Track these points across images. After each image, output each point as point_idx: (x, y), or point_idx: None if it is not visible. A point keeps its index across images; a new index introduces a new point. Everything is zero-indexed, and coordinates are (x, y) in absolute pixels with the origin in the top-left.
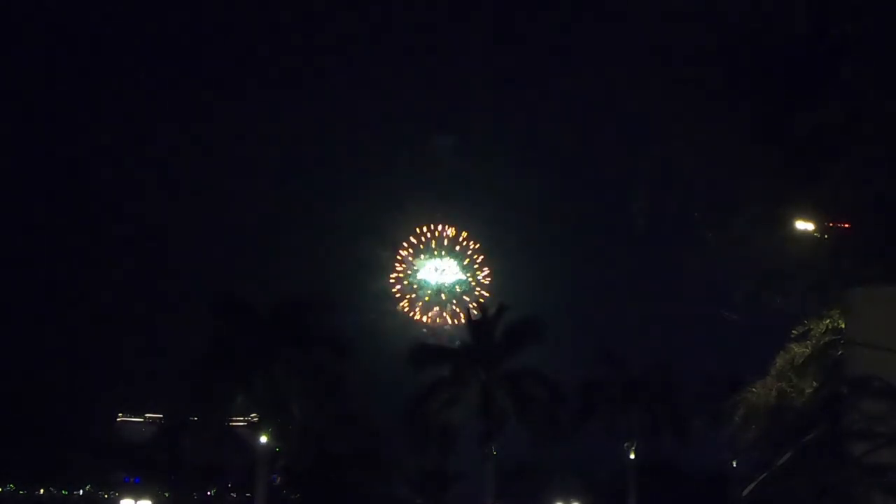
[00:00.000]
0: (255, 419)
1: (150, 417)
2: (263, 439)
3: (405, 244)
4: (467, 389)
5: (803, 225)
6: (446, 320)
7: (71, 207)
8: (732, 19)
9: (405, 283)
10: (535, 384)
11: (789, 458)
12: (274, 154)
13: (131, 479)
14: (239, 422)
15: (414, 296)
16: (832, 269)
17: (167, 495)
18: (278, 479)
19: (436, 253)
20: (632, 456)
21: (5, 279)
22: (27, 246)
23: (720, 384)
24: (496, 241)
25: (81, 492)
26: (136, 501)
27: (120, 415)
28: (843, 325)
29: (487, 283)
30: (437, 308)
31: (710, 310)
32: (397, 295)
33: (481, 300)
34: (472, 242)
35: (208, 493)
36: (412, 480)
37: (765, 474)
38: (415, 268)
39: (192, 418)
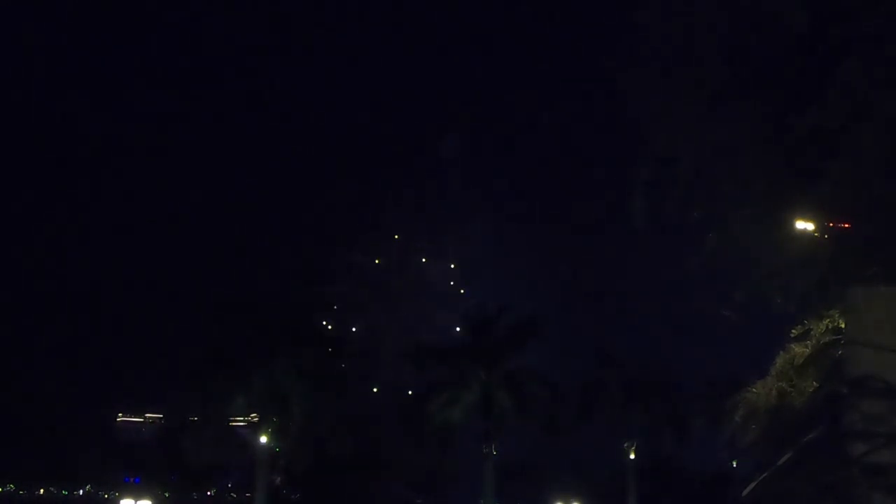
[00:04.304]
0: (255, 419)
1: (150, 417)
2: (263, 439)
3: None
4: (467, 389)
5: (803, 225)
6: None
7: (71, 208)
8: (733, 20)
9: None
10: (535, 384)
11: (789, 458)
12: (276, 153)
13: (131, 479)
14: (239, 422)
15: None
16: (832, 269)
17: (167, 495)
18: (278, 480)
19: None
20: (632, 456)
21: (5, 279)
22: (27, 246)
23: (720, 384)
24: (496, 242)
25: (81, 492)
26: (136, 501)
27: (120, 415)
28: (843, 325)
29: None
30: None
31: (710, 310)
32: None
33: None
34: None
35: (208, 493)
36: (412, 480)
37: (765, 474)
38: None
39: (192, 418)
